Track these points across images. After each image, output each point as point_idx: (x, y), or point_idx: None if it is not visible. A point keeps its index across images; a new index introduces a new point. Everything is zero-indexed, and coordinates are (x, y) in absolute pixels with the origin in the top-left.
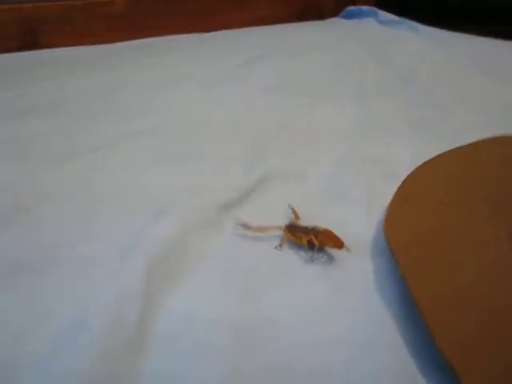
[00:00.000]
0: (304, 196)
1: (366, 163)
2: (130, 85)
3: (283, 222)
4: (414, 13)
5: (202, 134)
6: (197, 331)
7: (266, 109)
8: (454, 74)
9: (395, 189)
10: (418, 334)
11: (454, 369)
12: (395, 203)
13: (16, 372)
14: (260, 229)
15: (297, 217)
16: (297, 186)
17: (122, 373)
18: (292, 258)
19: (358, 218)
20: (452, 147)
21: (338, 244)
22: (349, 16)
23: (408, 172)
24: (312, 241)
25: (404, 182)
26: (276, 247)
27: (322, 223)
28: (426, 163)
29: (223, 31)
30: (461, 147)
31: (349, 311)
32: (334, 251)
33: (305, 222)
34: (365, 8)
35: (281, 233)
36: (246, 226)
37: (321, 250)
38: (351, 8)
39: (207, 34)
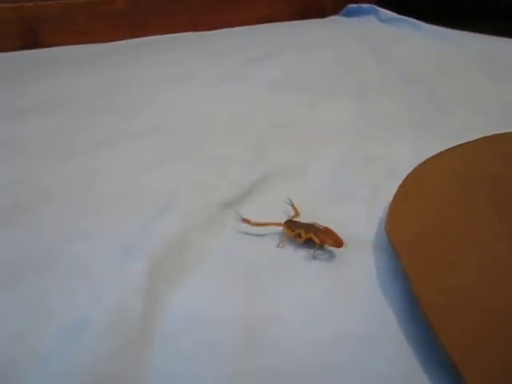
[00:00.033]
0: (306, 194)
1: (367, 161)
2: (132, 83)
3: (284, 219)
4: (414, 10)
5: (204, 131)
6: (199, 330)
7: (268, 106)
8: (454, 72)
9: (396, 186)
10: (420, 330)
11: (455, 365)
12: (397, 201)
13: (17, 371)
14: (259, 224)
15: (296, 213)
16: (298, 183)
17: (124, 372)
18: (294, 255)
19: (360, 216)
20: (453, 145)
21: (338, 242)
22: (349, 14)
23: (409, 170)
24: (312, 239)
25: (405, 179)
26: (278, 245)
27: (324, 221)
28: (427, 161)
29: (225, 29)
30: (462, 145)
31: (351, 308)
32: (334, 249)
33: (307, 219)
34: (365, 6)
35: (280, 229)
36: (245, 221)
37: (321, 247)
38: (352, 6)
39: (209, 32)
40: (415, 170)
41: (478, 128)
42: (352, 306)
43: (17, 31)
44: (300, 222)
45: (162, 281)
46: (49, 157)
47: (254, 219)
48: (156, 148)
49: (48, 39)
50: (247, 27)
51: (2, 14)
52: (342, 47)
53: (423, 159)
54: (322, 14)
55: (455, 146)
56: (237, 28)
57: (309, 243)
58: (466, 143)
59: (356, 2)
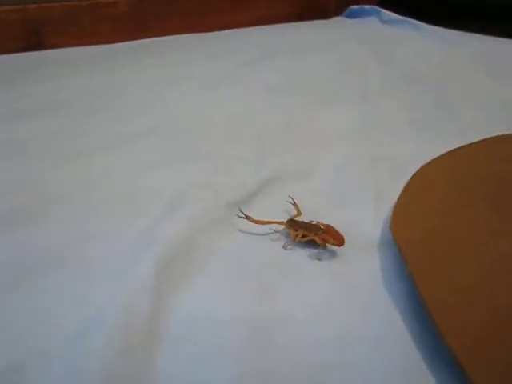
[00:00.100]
0: (310, 196)
1: (371, 163)
2: (131, 85)
3: (286, 218)
4: (416, 11)
5: (203, 133)
6: (206, 331)
7: (268, 109)
8: (456, 72)
9: (400, 187)
10: (425, 330)
11: (462, 365)
12: (401, 202)
13: (23, 372)
14: (261, 221)
15: (298, 212)
16: (303, 185)
17: (131, 374)
18: (300, 256)
19: (365, 217)
20: (455, 146)
21: (340, 241)
22: (352, 15)
23: (412, 171)
24: (315, 241)
25: (409, 181)
26: (284, 247)
27: (329, 222)
28: (430, 163)
29: (225, 31)
30: (464, 146)
31: (357, 308)
32: (337, 248)
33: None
34: (367, 7)
35: (281, 226)
36: (248, 219)
37: (323, 247)
38: (354, 7)
39: (209, 34)
40: (419, 171)
41: (480, 128)
42: (358, 306)
43: (20, 33)
44: (302, 221)
45: (169, 282)
46: (48, 159)
47: (257, 218)
48: (157, 150)
49: (51, 41)
50: (248, 29)
51: (6, 15)
52: (343, 49)
53: (426, 160)
54: (323, 15)
55: (457, 148)
56: (237, 30)
57: (310, 242)
58: (468, 145)
59: (358, 3)
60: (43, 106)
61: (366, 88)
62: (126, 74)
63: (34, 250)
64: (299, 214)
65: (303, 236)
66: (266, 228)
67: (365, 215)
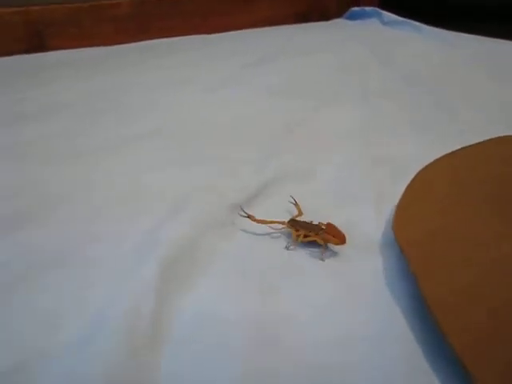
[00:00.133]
0: (312, 197)
1: (372, 164)
2: (134, 86)
3: (287, 218)
4: (416, 13)
5: (207, 135)
6: (210, 332)
7: (271, 110)
8: (456, 74)
9: (402, 188)
10: (427, 329)
11: (464, 364)
12: (403, 203)
13: (27, 374)
14: (263, 221)
15: (299, 212)
16: (305, 186)
17: (135, 375)
18: (303, 256)
19: (367, 218)
20: (455, 147)
21: (341, 239)
22: (352, 17)
23: (413, 172)
24: (317, 241)
25: (411, 182)
26: (287, 247)
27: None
28: (431, 164)
29: (228, 33)
30: (465, 147)
31: (360, 308)
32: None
33: (314, 221)
34: (368, 9)
35: (282, 226)
36: (250, 218)
37: (325, 247)
38: (355, 9)
39: (212, 36)
40: (420, 172)
41: (481, 129)
42: (360, 306)
43: (23, 35)
44: (303, 222)
45: (173, 283)
46: (51, 161)
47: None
48: (160, 151)
49: (54, 43)
50: (250, 30)
51: (9, 17)
52: (344, 50)
53: (427, 161)
54: (325, 16)
55: (458, 150)
56: (240, 31)
57: (312, 242)
58: (469, 146)
59: (359, 5)
60: (46, 108)
61: (367, 89)
62: (129, 76)
63: (36, 251)
64: (300, 214)
65: (305, 236)
66: (267, 228)
67: (366, 216)
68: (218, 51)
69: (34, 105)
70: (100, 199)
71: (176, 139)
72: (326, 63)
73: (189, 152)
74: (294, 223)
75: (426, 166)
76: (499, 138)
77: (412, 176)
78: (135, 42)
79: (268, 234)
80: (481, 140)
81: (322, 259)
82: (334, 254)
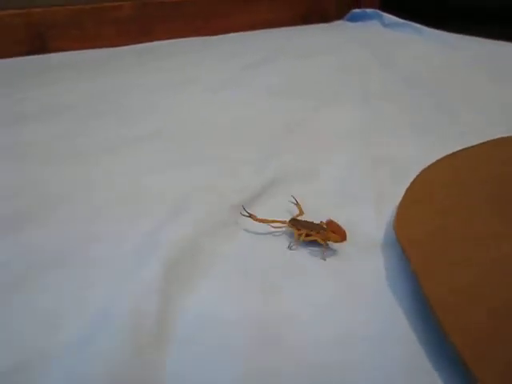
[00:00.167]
0: (313, 197)
1: (373, 165)
2: (135, 88)
3: (289, 217)
4: (417, 15)
5: (207, 136)
6: (212, 332)
7: (271, 112)
8: (456, 76)
9: (402, 189)
10: (429, 329)
11: (466, 363)
12: (404, 203)
13: (28, 374)
14: (264, 220)
15: (300, 211)
16: (306, 187)
17: (137, 375)
18: (305, 256)
19: (368, 218)
20: (455, 149)
21: (342, 236)
22: (353, 19)
23: (414, 173)
24: (317, 241)
25: (412, 183)
26: (290, 247)
27: None
28: (432, 165)
29: (229, 34)
30: (465, 149)
31: (361, 308)
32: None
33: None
34: (369, 11)
35: (283, 225)
36: (252, 217)
37: (326, 245)
38: (356, 11)
39: (212, 37)
40: (421, 173)
41: (481, 130)
42: (362, 305)
43: (24, 37)
44: (304, 221)
45: (175, 284)
46: (51, 162)
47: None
48: (161, 152)
49: (55, 45)
50: (251, 32)
51: (10, 19)
52: (345, 52)
53: (427, 162)
54: (324, 18)
55: (459, 151)
56: (240, 33)
57: (313, 241)
58: (470, 147)
59: (360, 7)
60: (47, 110)
61: (368, 91)
62: (131, 78)
63: (36, 251)
64: (301, 213)
65: (306, 235)
66: (269, 228)
67: (366, 216)
68: (217, 53)
69: (35, 106)
70: (100, 199)
71: (176, 140)
72: (327, 64)
73: (189, 153)
74: (295, 222)
75: (426, 168)
76: (500, 139)
77: (412, 177)
78: (137, 44)
79: (269, 233)
80: (481, 142)
81: (324, 258)
82: (336, 253)
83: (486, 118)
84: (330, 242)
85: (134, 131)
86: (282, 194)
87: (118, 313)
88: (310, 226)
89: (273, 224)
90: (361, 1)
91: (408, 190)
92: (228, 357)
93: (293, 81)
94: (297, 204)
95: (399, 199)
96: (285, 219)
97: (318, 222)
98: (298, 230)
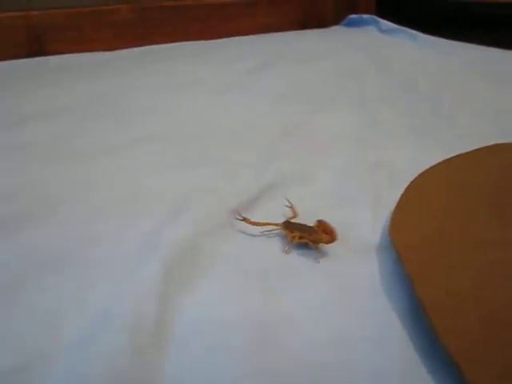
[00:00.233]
0: (310, 199)
1: (370, 169)
2: (134, 91)
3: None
4: (413, 21)
5: (206, 138)
6: (211, 333)
7: (271, 115)
8: (452, 81)
9: (398, 193)
10: (423, 332)
11: (458, 366)
12: (400, 208)
13: (28, 374)
14: (258, 223)
15: (294, 214)
16: (305, 190)
17: (137, 376)
18: (301, 259)
19: (364, 222)
20: (451, 153)
21: (332, 236)
22: (350, 24)
23: (410, 177)
24: (308, 245)
25: (408, 187)
26: (285, 250)
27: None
28: (428, 170)
29: (228, 39)
30: (461, 155)
31: (356, 310)
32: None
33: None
34: (366, 16)
35: (277, 228)
36: (246, 221)
37: (317, 248)
38: (353, 16)
39: (210, 42)
40: (417, 178)
41: (477, 135)
42: (357, 308)
43: (23, 39)
44: (297, 223)
45: (174, 285)
46: (50, 164)
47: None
48: (163, 154)
49: (53, 47)
50: (251, 36)
51: (9, 22)
52: (342, 57)
53: (424, 166)
54: (322, 24)
55: (455, 156)
56: (240, 37)
57: (306, 244)
58: (466, 153)
59: (357, 13)
60: (45, 112)
61: (365, 95)
62: (129, 80)
63: (36, 251)
64: (295, 215)
65: (300, 237)
66: (263, 230)
67: (364, 219)
68: (216, 57)
69: (34, 108)
70: (100, 200)
71: (175, 142)
72: (325, 69)
73: (188, 154)
74: (288, 225)
75: (422, 173)
76: (495, 145)
77: (409, 180)
78: (135, 47)
79: (264, 235)
80: (478, 147)
81: (318, 261)
82: (330, 255)
83: (482, 122)
84: (321, 244)
85: (133, 133)
86: (281, 197)
87: (117, 313)
88: (302, 229)
89: (266, 227)
90: (358, 6)
91: (403, 195)
92: (228, 357)
93: (291, 85)
94: (291, 207)
95: (396, 202)
96: (278, 222)
97: (313, 223)
98: (292, 232)
